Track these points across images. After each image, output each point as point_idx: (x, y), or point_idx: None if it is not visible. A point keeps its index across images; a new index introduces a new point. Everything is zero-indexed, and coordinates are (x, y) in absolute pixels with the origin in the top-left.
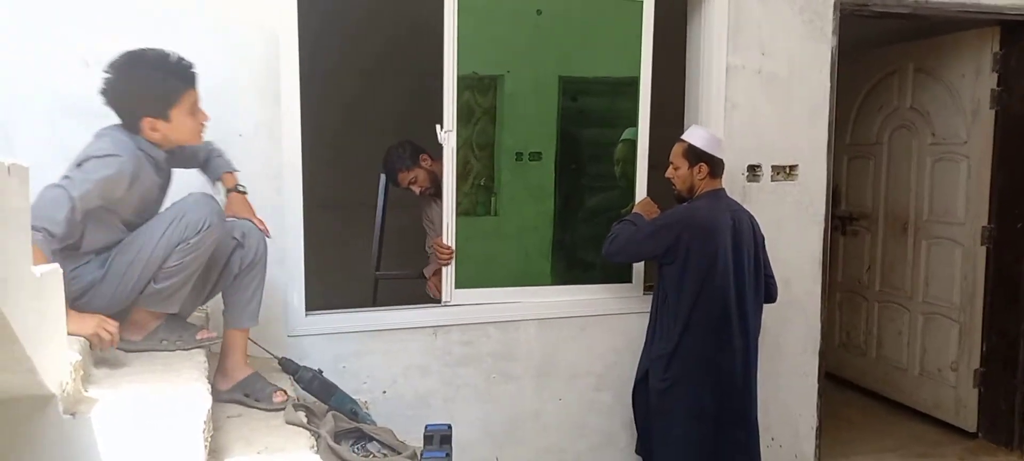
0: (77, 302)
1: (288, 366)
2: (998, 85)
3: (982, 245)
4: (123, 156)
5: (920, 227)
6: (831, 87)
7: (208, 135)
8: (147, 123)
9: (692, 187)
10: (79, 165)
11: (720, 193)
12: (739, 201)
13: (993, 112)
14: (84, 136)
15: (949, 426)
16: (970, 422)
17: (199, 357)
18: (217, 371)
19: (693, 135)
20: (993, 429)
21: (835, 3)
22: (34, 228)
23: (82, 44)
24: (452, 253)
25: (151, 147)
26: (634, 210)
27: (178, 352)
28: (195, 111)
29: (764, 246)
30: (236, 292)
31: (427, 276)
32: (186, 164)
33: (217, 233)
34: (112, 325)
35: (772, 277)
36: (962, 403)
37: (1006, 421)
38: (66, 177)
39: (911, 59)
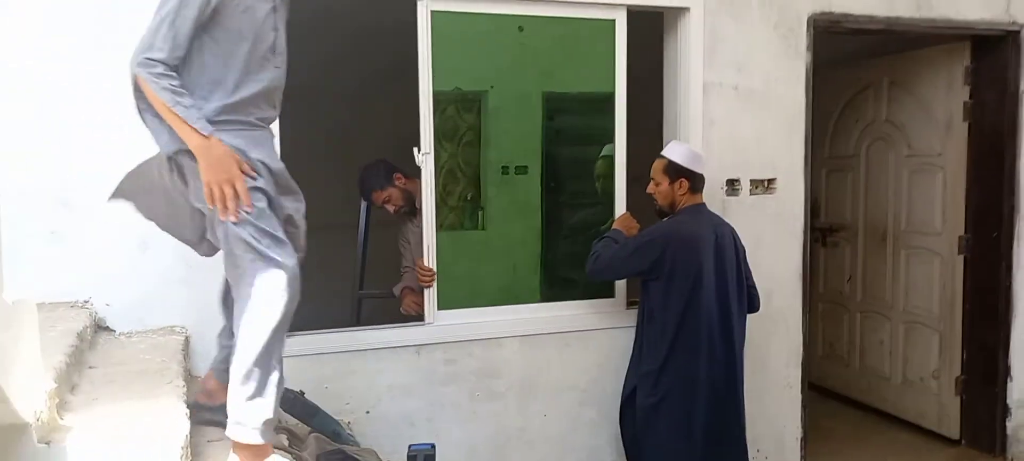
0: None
1: None
2: (970, 98)
3: (959, 254)
4: None
5: (899, 238)
6: (806, 102)
7: None
8: None
9: (673, 202)
10: None
11: (701, 208)
12: (719, 215)
13: (966, 124)
14: None
15: (932, 434)
16: (953, 430)
17: (178, 381)
18: (200, 390)
19: (673, 151)
20: (975, 437)
21: (809, 19)
22: (140, 64)
23: None
24: (433, 275)
25: None
26: (614, 226)
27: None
28: None
29: (745, 257)
30: None
31: (396, 293)
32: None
33: None
34: (240, 185)
35: (754, 287)
36: (945, 411)
37: (988, 428)
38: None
39: (886, 74)
